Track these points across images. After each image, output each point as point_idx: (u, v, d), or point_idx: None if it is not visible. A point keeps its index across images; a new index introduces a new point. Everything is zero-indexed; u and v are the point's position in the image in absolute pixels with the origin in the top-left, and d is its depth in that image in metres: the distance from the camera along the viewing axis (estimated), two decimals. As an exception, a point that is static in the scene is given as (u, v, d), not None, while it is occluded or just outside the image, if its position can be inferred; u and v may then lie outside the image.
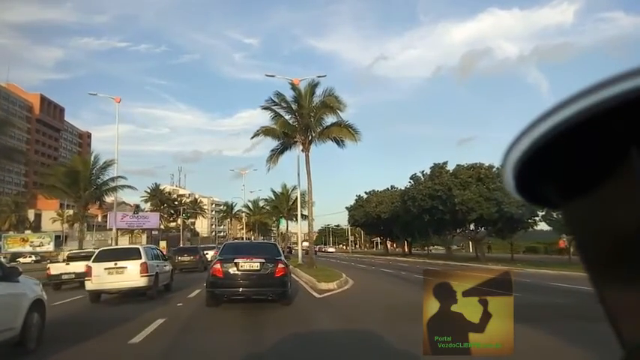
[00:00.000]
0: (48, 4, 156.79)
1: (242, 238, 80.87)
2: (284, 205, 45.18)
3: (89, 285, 13.08)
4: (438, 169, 37.04)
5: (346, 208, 60.31)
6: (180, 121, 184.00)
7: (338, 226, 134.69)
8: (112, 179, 31.64)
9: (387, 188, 54.98)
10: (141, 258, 13.41)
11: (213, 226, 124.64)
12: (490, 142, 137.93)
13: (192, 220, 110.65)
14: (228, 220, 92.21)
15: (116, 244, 36.32)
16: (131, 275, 13.10)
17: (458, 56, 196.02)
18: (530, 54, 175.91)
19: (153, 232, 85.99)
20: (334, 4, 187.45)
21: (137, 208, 58.47)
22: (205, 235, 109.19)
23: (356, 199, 57.41)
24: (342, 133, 24.92)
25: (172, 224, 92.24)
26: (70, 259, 17.99)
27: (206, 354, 6.74)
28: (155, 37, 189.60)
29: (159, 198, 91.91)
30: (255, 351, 6.60)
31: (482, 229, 38.33)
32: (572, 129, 0.46)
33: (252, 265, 11.01)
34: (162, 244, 76.77)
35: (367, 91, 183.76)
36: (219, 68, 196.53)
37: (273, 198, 47.13)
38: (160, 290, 14.40)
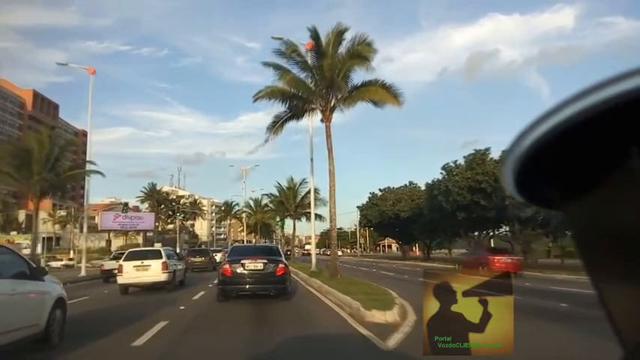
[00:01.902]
0: (51, 7, 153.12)
1: (242, 242, 74.08)
2: (291, 201, 38.06)
3: (120, 279, 15.57)
4: (480, 155, 29.86)
5: (358, 207, 53.17)
6: (182, 124, 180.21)
7: (340, 228, 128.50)
8: (78, 164, 24.61)
9: (405, 184, 47.94)
10: (162, 258, 15.85)
11: (213, 228, 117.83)
12: (493, 145, 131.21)
13: (192, 222, 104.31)
14: (228, 221, 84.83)
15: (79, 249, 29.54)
16: (154, 272, 15.44)
17: (459, 61, 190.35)
18: (531, 58, 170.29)
19: (147, 234, 79.02)
20: (335, 8, 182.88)
21: (126, 206, 51.20)
22: (204, 240, 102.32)
23: (369, 197, 50.23)
24: (378, 95, 17.91)
25: (170, 226, 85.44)
26: (116, 258, 20.72)
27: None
28: (157, 41, 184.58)
29: (156, 198, 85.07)
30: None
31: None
32: (572, 129, 0.45)
33: (257, 265, 12.16)
34: (158, 246, 69.81)
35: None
36: (221, 72, 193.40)
37: (278, 194, 39.98)
38: (175, 285, 16.38)
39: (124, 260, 15.95)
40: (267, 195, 40.82)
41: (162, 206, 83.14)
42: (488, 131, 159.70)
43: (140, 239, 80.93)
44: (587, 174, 0.48)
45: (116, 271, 17.61)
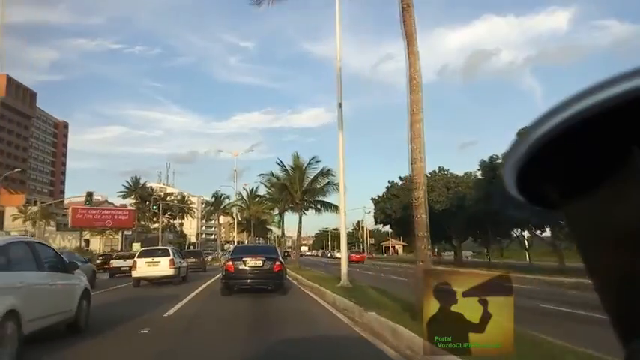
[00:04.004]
0: (42, 5, 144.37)
1: (233, 242, 63.70)
2: (296, 186, 27.61)
3: (134, 273, 17.71)
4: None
5: (372, 199, 42.74)
6: (175, 124, 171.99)
7: (336, 229, 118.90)
8: None
9: (434, 171, 37.64)
10: (170, 255, 18.05)
11: (203, 228, 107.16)
12: (492, 147, 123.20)
13: (181, 222, 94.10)
14: (217, 220, 73.92)
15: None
16: (163, 267, 17.49)
17: (455, 62, 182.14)
18: (527, 60, 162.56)
19: (125, 232, 68.00)
20: (331, 7, 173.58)
21: (90, 197, 40.22)
22: (192, 240, 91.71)
23: (388, 187, 39.87)
24: None
25: (156, 225, 74.76)
26: (121, 257, 24.83)
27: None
28: (150, 39, 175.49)
29: (139, 194, 74.16)
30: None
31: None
32: (573, 129, 0.44)
33: (257, 262, 12.95)
34: (136, 246, 59.20)
35: (363, 95, 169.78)
36: (214, 71, 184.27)
37: (278, 179, 29.24)
38: (179, 280, 18.20)
39: (137, 257, 18.40)
40: (264, 178, 29.80)
41: (148, 203, 72.47)
42: (486, 132, 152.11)
43: (121, 237, 70.39)
44: (588, 174, 0.46)
45: (122, 268, 21.89)
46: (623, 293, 0.48)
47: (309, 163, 27.19)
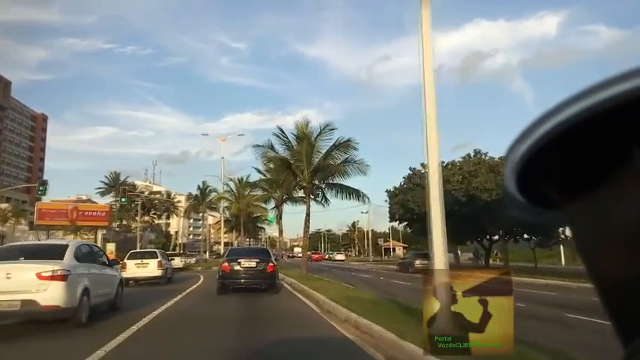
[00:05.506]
0: (33, 4, 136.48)
1: (221, 243, 55.52)
2: (303, 164, 19.48)
3: (124, 274, 15.95)
4: None
5: (387, 191, 34.50)
6: (166, 124, 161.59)
7: (329, 230, 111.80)
8: None
9: (468, 154, 29.61)
10: (158, 257, 19.00)
11: (191, 228, 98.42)
12: (486, 149, 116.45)
13: (167, 221, 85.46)
14: (203, 212, 65.36)
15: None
16: (151, 268, 18.49)
17: (446, 64, 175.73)
18: (518, 64, 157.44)
19: (103, 232, 59.18)
20: (324, 10, 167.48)
21: (42, 186, 31.45)
22: (179, 241, 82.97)
23: (409, 175, 31.69)
24: None
25: (136, 225, 66.24)
26: None
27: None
28: (141, 39, 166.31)
29: (119, 191, 65.40)
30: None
31: None
32: (573, 129, 0.43)
33: (251, 263, 13.48)
34: (110, 247, 50.13)
35: (355, 98, 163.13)
36: (205, 72, 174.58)
37: (279, 153, 19.67)
38: (165, 281, 19.14)
39: (127, 259, 18.82)
40: (259, 150, 20.93)
41: (132, 201, 63.99)
42: (480, 135, 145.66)
43: (97, 237, 61.72)
44: (589, 174, 0.45)
45: None
46: (623, 293, 0.46)
47: (322, 131, 18.95)
